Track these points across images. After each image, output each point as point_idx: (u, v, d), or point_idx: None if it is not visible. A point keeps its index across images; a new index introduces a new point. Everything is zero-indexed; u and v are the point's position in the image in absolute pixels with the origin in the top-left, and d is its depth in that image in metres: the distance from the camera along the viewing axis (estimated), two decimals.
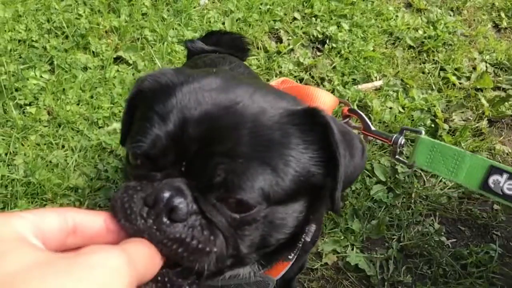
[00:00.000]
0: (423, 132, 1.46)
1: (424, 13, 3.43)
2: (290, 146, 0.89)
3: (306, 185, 0.93)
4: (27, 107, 2.58)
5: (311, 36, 3.13)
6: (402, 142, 1.45)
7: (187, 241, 0.81)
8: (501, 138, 2.74)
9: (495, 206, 2.44)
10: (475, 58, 3.14)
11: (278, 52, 2.98)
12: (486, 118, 2.80)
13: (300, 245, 1.19)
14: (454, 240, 2.33)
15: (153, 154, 0.86)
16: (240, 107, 0.88)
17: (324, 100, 1.39)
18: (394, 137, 1.45)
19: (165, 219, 0.80)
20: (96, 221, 0.69)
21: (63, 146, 2.49)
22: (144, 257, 0.61)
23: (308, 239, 1.20)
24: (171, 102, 0.90)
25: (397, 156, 1.47)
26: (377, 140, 1.55)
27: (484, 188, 1.34)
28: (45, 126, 2.54)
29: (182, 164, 0.85)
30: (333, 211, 1.01)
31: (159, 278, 0.80)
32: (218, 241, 0.86)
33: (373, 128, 1.50)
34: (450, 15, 3.42)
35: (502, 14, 3.46)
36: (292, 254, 1.21)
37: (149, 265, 0.62)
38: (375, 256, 2.24)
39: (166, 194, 0.81)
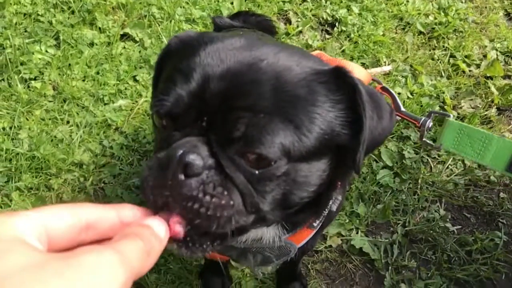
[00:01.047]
0: (452, 116, 1.46)
1: (435, 0, 3.37)
2: (316, 104, 0.88)
3: (330, 144, 0.91)
4: (32, 82, 2.55)
5: (321, 19, 3.08)
6: (430, 125, 1.45)
7: (201, 196, 0.81)
8: (510, 126, 2.72)
9: (502, 194, 2.42)
10: (485, 46, 3.10)
11: (287, 34, 2.95)
12: (495, 106, 2.77)
13: (326, 213, 1.17)
14: (459, 227, 2.32)
15: (175, 112, 0.86)
16: (265, 64, 0.87)
17: (357, 75, 1.40)
18: (423, 119, 1.46)
19: (180, 176, 0.80)
20: (109, 214, 0.68)
21: (68, 122, 2.47)
22: (138, 252, 0.60)
23: (334, 208, 1.19)
24: (194, 60, 0.90)
25: (424, 139, 1.48)
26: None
27: (510, 170, 1.35)
28: (50, 101, 2.52)
29: (203, 120, 0.85)
30: (354, 172, 0.99)
31: (181, 238, 0.79)
32: (235, 196, 0.85)
33: (403, 109, 1.50)
34: (462, 2, 3.36)
35: None
36: (317, 222, 1.20)
37: (144, 259, 0.61)
38: (380, 240, 2.23)
39: (179, 152, 0.80)
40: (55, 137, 2.38)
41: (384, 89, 1.56)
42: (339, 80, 0.92)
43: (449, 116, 1.47)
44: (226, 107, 0.83)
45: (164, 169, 0.81)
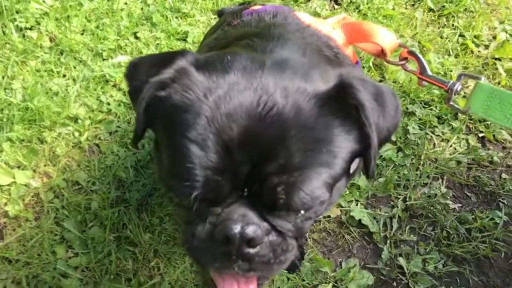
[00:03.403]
0: (483, 78, 1.40)
1: None
2: (334, 138, 0.89)
3: (350, 162, 0.96)
4: (28, 31, 2.44)
5: None
6: (459, 89, 1.39)
7: (269, 257, 0.90)
8: None
9: (504, 175, 2.39)
10: (495, 28, 3.04)
11: (295, 1, 2.85)
12: (502, 88, 2.73)
13: None
14: (460, 205, 2.29)
15: (210, 196, 0.85)
16: (276, 112, 0.84)
17: (384, 39, 1.36)
18: (451, 83, 1.40)
19: (247, 250, 0.87)
20: None
21: (64, 75, 2.37)
22: None
23: None
24: (203, 124, 0.84)
25: (451, 103, 1.42)
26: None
27: None
28: (46, 53, 2.42)
29: (243, 190, 0.86)
30: (368, 177, 1.02)
31: None
32: (291, 241, 0.93)
33: (429, 73, 1.44)
34: None
35: None
36: None
37: None
38: (380, 213, 2.19)
39: (237, 228, 0.85)
40: (50, 89, 2.28)
41: (410, 53, 1.50)
42: (344, 98, 0.90)
43: (480, 79, 1.40)
44: (259, 174, 0.83)
45: (222, 243, 0.87)
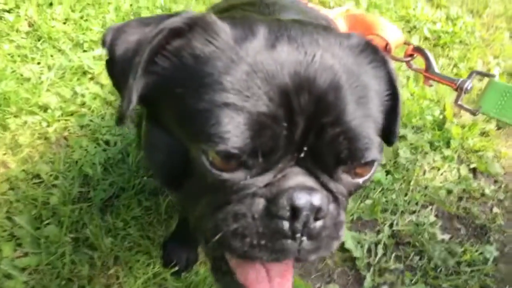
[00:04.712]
0: (497, 76, 1.29)
1: (443, 9, 3.29)
2: (374, 88, 0.81)
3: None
4: (6, 14, 2.28)
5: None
6: (469, 87, 1.27)
7: (330, 230, 0.76)
8: (508, 144, 2.60)
9: (495, 209, 2.28)
10: (489, 62, 3.01)
11: None
12: (494, 122, 2.66)
13: None
14: (449, 236, 2.15)
15: (264, 148, 0.69)
16: (321, 60, 0.73)
17: (389, 33, 1.27)
18: (460, 81, 1.27)
19: (313, 224, 0.72)
20: None
21: (39, 63, 2.20)
22: None
23: None
24: (246, 70, 0.70)
25: (459, 102, 1.29)
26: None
27: None
28: (22, 38, 2.25)
29: (295, 149, 0.71)
30: (390, 144, 0.91)
31: None
32: (344, 221, 0.80)
33: (437, 70, 1.32)
34: (470, 16, 3.29)
35: None
36: None
37: None
38: (365, 238, 2.03)
39: (304, 197, 0.70)
40: (21, 75, 2.11)
41: (417, 49, 1.39)
42: (374, 54, 0.85)
43: (493, 76, 1.29)
44: (316, 126, 0.71)
45: (283, 218, 0.71)
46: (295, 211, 0.70)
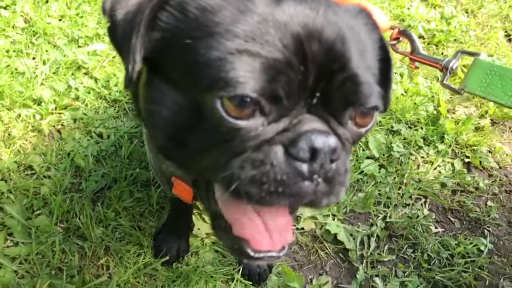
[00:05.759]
0: (483, 55, 1.29)
1: (438, 9, 3.31)
2: (370, 46, 0.87)
3: None
4: (2, 10, 2.31)
5: None
6: (455, 67, 1.28)
7: (341, 173, 0.77)
8: (502, 139, 2.59)
9: (489, 203, 2.27)
10: None
11: None
12: (489, 117, 2.65)
13: None
14: (443, 229, 2.14)
15: (278, 91, 0.71)
16: (327, 15, 0.77)
17: (378, 18, 1.27)
18: (446, 61, 1.28)
19: (329, 166, 0.74)
20: None
21: (34, 58, 2.22)
22: None
23: None
24: (257, 19, 0.73)
25: (445, 82, 1.30)
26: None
27: None
28: (18, 33, 2.28)
29: (308, 95, 0.74)
30: (384, 110, 0.92)
31: None
32: (349, 167, 0.82)
33: (422, 51, 1.33)
34: (464, 16, 3.30)
35: None
36: None
37: None
38: (357, 230, 2.03)
39: (321, 139, 0.73)
40: (16, 69, 2.13)
41: (402, 32, 1.40)
42: (368, 19, 0.91)
43: (479, 55, 1.30)
44: (327, 74, 0.74)
45: (302, 161, 0.73)
46: (313, 153, 0.73)
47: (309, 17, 0.75)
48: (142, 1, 0.79)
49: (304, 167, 0.73)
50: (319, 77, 0.73)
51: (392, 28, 1.41)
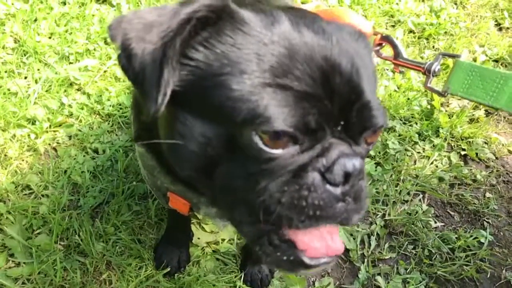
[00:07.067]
0: (463, 56, 1.31)
1: (427, 2, 3.31)
2: (371, 68, 0.89)
3: None
4: None
5: None
6: (437, 69, 1.30)
7: (365, 189, 0.83)
8: (497, 129, 2.60)
9: (488, 194, 2.27)
10: (475, 51, 3.02)
11: None
12: (483, 108, 2.66)
13: None
14: (442, 224, 2.15)
15: (311, 123, 0.75)
16: (339, 42, 0.81)
17: (358, 24, 1.28)
18: (428, 64, 1.30)
19: (357, 186, 0.80)
20: None
21: (26, 77, 2.23)
22: None
23: None
24: (283, 53, 0.76)
25: (429, 85, 1.32)
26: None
27: None
28: (8, 54, 2.29)
29: (335, 122, 0.79)
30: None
31: None
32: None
33: (405, 55, 1.35)
34: (454, 8, 3.31)
35: (506, 14, 3.36)
36: None
37: None
38: (357, 229, 2.03)
39: (351, 161, 0.78)
40: (8, 89, 2.14)
41: (384, 38, 1.41)
42: (365, 39, 0.94)
43: (459, 57, 1.31)
44: (348, 102, 0.79)
45: (335, 184, 0.78)
46: (346, 176, 0.78)
47: (327, 48, 0.79)
48: (163, 32, 0.76)
49: (338, 191, 0.78)
50: (342, 107, 0.78)
51: (375, 34, 1.42)
